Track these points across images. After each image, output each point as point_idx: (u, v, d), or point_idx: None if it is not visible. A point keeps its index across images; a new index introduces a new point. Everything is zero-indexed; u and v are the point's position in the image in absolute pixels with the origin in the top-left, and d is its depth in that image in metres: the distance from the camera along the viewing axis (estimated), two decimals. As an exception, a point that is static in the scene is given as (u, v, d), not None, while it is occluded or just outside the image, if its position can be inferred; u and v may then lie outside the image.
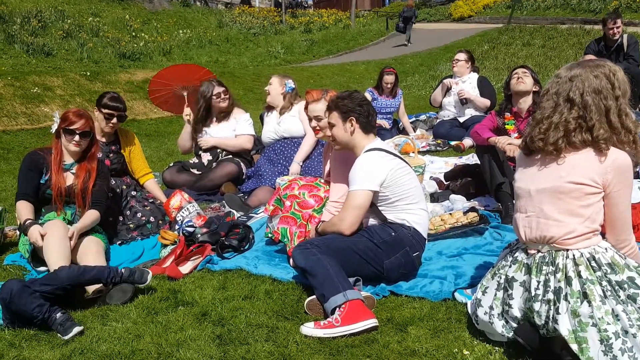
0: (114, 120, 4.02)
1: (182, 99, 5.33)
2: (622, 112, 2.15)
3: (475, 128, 4.20)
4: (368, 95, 7.00)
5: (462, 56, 6.81)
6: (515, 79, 4.10)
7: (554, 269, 2.16)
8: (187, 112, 5.09)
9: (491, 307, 2.33)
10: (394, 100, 7.10)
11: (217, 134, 5.11)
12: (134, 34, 20.63)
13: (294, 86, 4.97)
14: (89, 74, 10.66)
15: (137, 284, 2.91)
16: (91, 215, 3.46)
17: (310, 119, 3.60)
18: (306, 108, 3.61)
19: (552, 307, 2.12)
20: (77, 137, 3.39)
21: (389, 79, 7.03)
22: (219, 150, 5.11)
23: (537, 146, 2.23)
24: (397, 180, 2.91)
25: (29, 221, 3.25)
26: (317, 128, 3.52)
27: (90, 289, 2.94)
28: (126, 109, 4.13)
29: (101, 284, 2.90)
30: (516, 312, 2.25)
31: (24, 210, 3.36)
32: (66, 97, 9.41)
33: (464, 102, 6.66)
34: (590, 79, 2.16)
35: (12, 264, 3.55)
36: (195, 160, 5.20)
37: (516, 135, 4.08)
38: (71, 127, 3.39)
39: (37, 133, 7.95)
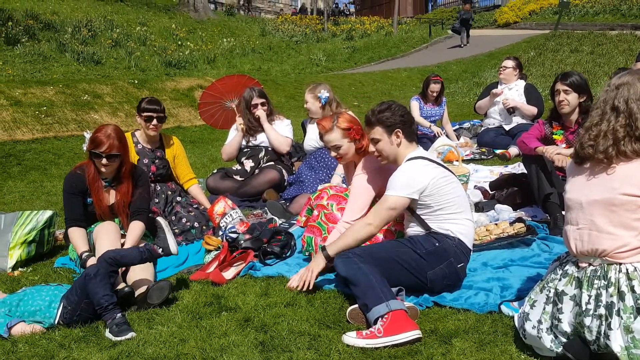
0: (154, 122, 4.08)
1: (229, 113, 5.41)
2: None
3: (522, 137, 4.11)
4: (415, 103, 6.97)
5: (509, 63, 6.66)
6: (557, 101, 4.02)
7: (605, 283, 2.10)
8: (241, 122, 5.15)
9: (540, 321, 2.28)
10: (438, 108, 7.05)
11: (259, 141, 5.18)
12: (179, 42, 21.13)
13: (328, 95, 4.91)
14: (136, 82, 10.97)
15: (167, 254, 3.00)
16: (136, 229, 3.41)
17: (328, 150, 3.53)
18: (322, 139, 3.54)
19: (603, 323, 2.06)
20: (104, 160, 3.29)
21: (435, 87, 6.97)
22: (261, 157, 5.16)
23: (588, 153, 2.18)
24: (439, 189, 2.87)
25: (85, 255, 3.25)
26: (338, 156, 3.44)
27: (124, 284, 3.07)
28: (164, 111, 4.18)
29: (144, 289, 2.95)
30: (566, 326, 2.19)
31: (78, 240, 3.31)
32: (115, 105, 9.70)
33: (511, 111, 6.53)
34: (636, 87, 2.12)
35: (62, 266, 3.66)
36: (238, 167, 5.27)
37: (564, 145, 3.97)
38: (97, 150, 3.29)
39: (83, 144, 8.24)
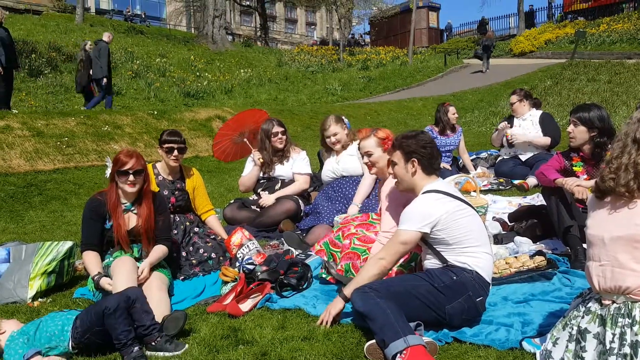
0: (175, 152, 4.15)
1: (240, 146, 5.45)
2: None
3: (541, 169, 4.08)
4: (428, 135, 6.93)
5: (514, 98, 6.70)
6: (567, 133, 4.02)
7: (630, 321, 2.05)
8: (258, 156, 5.19)
9: (562, 359, 2.22)
10: (454, 137, 6.99)
11: (276, 173, 5.22)
12: (198, 73, 21.54)
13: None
14: (155, 112, 11.15)
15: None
16: (160, 250, 3.55)
17: (362, 155, 3.63)
18: (359, 146, 3.65)
19: (628, 361, 1.99)
20: (131, 177, 3.40)
21: (453, 109, 6.96)
22: (277, 188, 5.19)
23: (609, 186, 2.15)
24: (452, 224, 2.84)
25: (97, 276, 3.32)
26: (369, 164, 3.54)
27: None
28: (185, 142, 4.26)
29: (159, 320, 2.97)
30: (590, 365, 2.13)
31: (92, 263, 3.40)
32: (134, 135, 9.85)
33: (511, 145, 6.55)
34: None
35: (81, 297, 3.68)
36: (255, 197, 5.30)
37: (585, 177, 3.92)
38: (124, 168, 3.41)
39: (105, 170, 8.36)
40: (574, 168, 4.02)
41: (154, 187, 4.05)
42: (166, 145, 4.14)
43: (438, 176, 3.08)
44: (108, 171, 3.58)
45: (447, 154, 6.96)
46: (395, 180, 3.12)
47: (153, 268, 3.50)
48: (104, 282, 3.28)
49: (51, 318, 2.93)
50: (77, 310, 3.03)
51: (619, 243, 2.11)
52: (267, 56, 28.09)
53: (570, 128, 3.97)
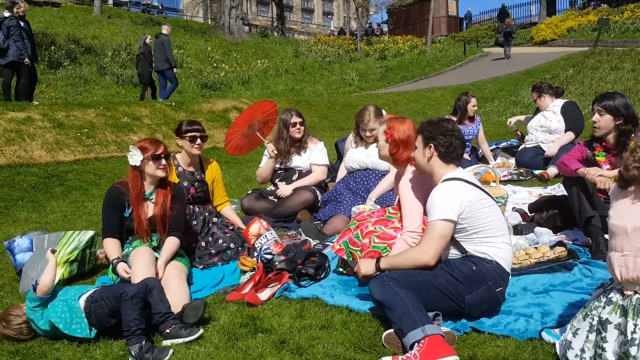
0: (198, 141, 4.16)
1: (251, 138, 5.40)
2: None
3: (562, 159, 4.02)
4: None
5: (533, 95, 6.75)
6: (591, 122, 3.95)
7: (652, 311, 2.02)
8: (272, 148, 5.19)
9: (582, 350, 2.22)
10: (472, 127, 6.92)
11: (294, 164, 5.22)
12: (215, 64, 21.60)
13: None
14: (173, 104, 11.22)
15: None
16: (172, 244, 3.55)
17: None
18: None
19: (650, 353, 1.98)
20: (163, 161, 3.51)
21: (474, 101, 6.93)
22: (294, 179, 5.19)
23: (633, 175, 2.13)
24: (475, 213, 2.83)
25: (116, 260, 3.41)
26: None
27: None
28: (205, 130, 4.28)
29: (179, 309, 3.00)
30: (610, 356, 2.13)
31: (111, 248, 3.49)
32: (153, 126, 9.93)
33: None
34: None
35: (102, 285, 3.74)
36: (272, 188, 5.32)
37: (608, 167, 3.86)
38: (158, 152, 3.51)
39: (126, 160, 8.45)
40: (596, 158, 3.95)
41: (174, 179, 4.08)
42: (189, 134, 4.15)
43: (458, 166, 3.06)
44: (134, 159, 3.52)
45: (466, 143, 6.90)
46: (414, 162, 3.15)
47: (172, 257, 3.54)
48: (121, 267, 3.33)
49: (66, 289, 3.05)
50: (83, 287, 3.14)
51: (642, 233, 2.09)
52: (283, 47, 28.04)
53: (596, 117, 3.90)
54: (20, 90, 9.81)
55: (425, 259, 2.86)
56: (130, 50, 20.22)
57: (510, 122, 7.30)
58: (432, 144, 2.99)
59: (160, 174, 3.53)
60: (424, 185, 3.20)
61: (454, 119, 6.86)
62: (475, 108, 6.97)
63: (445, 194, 2.87)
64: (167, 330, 2.82)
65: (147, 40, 13.32)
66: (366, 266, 3.06)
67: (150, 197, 3.58)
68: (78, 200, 6.62)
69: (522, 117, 7.39)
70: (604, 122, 3.88)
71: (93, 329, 2.87)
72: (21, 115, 8.66)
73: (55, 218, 5.73)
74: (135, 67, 14.14)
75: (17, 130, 8.21)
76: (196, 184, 4.25)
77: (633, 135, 3.75)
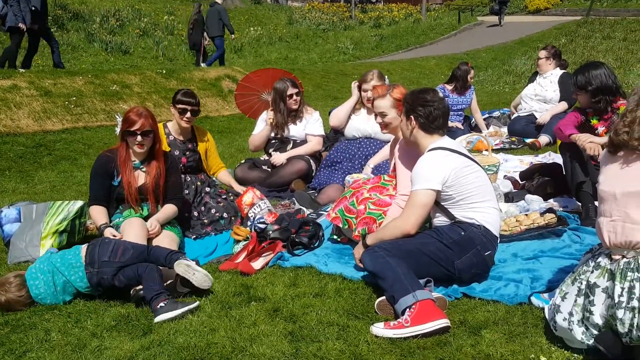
0: (188, 114, 4.11)
1: (264, 104, 5.41)
2: None
3: (559, 124, 4.03)
4: (439, 93, 6.81)
5: (542, 54, 6.65)
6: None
7: (639, 275, 2.06)
8: (271, 116, 5.14)
9: (571, 314, 2.25)
10: (466, 96, 6.89)
11: (289, 133, 5.18)
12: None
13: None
14: (164, 71, 11.06)
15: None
16: (170, 209, 3.59)
17: (375, 115, 3.59)
18: (372, 104, 3.60)
19: (636, 315, 2.04)
20: (139, 138, 3.41)
21: (473, 73, 6.90)
22: (288, 149, 5.17)
23: (622, 139, 2.14)
24: (460, 180, 2.85)
25: (104, 225, 3.41)
26: (383, 124, 3.53)
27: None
28: (199, 104, 4.21)
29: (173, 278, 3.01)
30: (598, 319, 2.17)
31: (98, 215, 3.49)
32: (143, 95, 9.80)
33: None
34: None
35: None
36: (265, 157, 5.30)
37: (602, 129, 3.87)
38: (132, 129, 3.41)
39: (115, 129, 8.37)
40: (591, 122, 3.96)
41: (165, 147, 4.06)
42: (180, 105, 4.10)
43: (443, 134, 3.06)
44: (118, 129, 3.54)
45: (459, 112, 6.90)
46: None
47: (163, 226, 3.54)
48: (108, 232, 3.32)
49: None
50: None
51: (631, 198, 2.11)
52: (277, 14, 27.58)
53: (575, 95, 3.99)
54: (6, 55, 9.81)
55: (407, 228, 2.88)
56: (119, 17, 19.83)
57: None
58: (412, 116, 3.00)
59: (136, 149, 3.47)
60: (416, 152, 3.21)
61: (449, 87, 6.83)
62: (472, 80, 6.95)
63: (428, 163, 2.89)
64: (161, 304, 2.74)
65: (201, 9, 14.00)
66: (357, 251, 3.08)
67: (141, 167, 3.55)
68: (67, 170, 6.57)
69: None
70: (581, 99, 3.94)
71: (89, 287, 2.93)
72: (7, 83, 8.49)
73: (43, 188, 5.69)
74: (189, 35, 14.62)
75: (2, 99, 8.05)
76: (188, 153, 4.23)
77: (620, 101, 3.79)
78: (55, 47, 10.71)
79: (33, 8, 9.45)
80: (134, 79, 10.25)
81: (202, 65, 13.80)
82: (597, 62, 4.03)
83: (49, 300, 2.94)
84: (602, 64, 3.92)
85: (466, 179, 2.87)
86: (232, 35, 14.13)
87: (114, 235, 3.27)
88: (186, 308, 2.73)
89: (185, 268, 2.90)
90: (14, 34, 9.57)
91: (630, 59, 13.20)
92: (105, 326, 2.70)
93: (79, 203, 3.92)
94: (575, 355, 2.25)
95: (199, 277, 2.89)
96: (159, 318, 2.69)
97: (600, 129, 3.89)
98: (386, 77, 4.93)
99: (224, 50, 14.22)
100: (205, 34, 13.94)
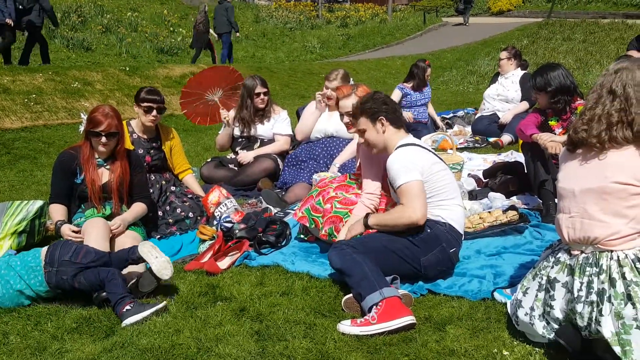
0: (154, 112, 4.04)
1: (213, 107, 5.26)
2: None
3: (520, 125, 4.13)
4: (398, 92, 6.93)
5: (503, 54, 6.80)
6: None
7: (597, 270, 2.12)
8: (225, 115, 5.08)
9: (532, 308, 2.30)
10: (426, 90, 7.04)
11: (256, 132, 5.14)
12: (171, 29, 20.94)
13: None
14: (127, 69, 10.86)
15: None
16: (139, 208, 3.54)
17: (341, 115, 3.60)
18: (337, 104, 3.61)
19: (595, 309, 2.08)
20: (103, 139, 3.34)
21: (430, 71, 7.00)
22: (255, 147, 5.14)
23: (581, 137, 2.19)
24: (431, 176, 2.89)
25: (59, 222, 3.33)
26: (350, 123, 3.52)
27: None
28: (164, 102, 4.14)
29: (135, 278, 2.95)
30: (558, 313, 2.21)
31: (56, 213, 3.42)
32: (105, 92, 9.61)
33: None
34: (635, 72, 2.12)
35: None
36: (232, 156, 5.26)
37: (560, 130, 3.99)
38: (97, 129, 3.33)
39: (77, 127, 8.15)
40: (549, 122, 4.08)
41: (129, 145, 3.98)
42: (145, 104, 4.02)
43: (406, 131, 3.11)
44: (82, 127, 3.47)
45: (423, 107, 6.99)
46: (368, 145, 3.10)
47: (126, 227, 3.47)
48: (66, 227, 3.24)
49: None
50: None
51: (589, 195, 2.16)
52: (243, 12, 27.37)
53: (534, 96, 4.09)
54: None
55: (418, 217, 2.79)
56: (81, 13, 19.36)
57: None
58: (381, 117, 3.01)
59: (100, 149, 3.40)
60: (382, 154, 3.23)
61: (408, 85, 6.92)
62: (429, 77, 7.08)
63: (407, 158, 2.89)
64: (127, 308, 2.68)
65: (206, 9, 14.35)
66: (356, 226, 3.01)
67: (105, 164, 3.48)
68: (26, 170, 6.37)
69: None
70: (541, 100, 4.05)
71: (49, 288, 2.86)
72: (-37, 80, 8.23)
73: (2, 188, 5.51)
74: (193, 34, 14.78)
75: (-42, 96, 7.80)
76: (152, 151, 4.15)
77: (578, 101, 3.95)
78: (45, 46, 10.95)
79: (20, 7, 9.69)
80: (96, 76, 10.03)
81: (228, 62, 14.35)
82: (554, 63, 4.15)
83: (7, 303, 2.85)
84: (559, 66, 4.06)
85: (436, 176, 2.90)
86: (237, 33, 14.36)
87: (73, 231, 3.20)
88: (153, 309, 2.68)
89: (149, 249, 2.87)
90: (2, 30, 9.69)
91: (589, 60, 13.60)
92: (66, 328, 2.64)
93: (39, 203, 3.81)
94: (537, 349, 2.30)
95: (160, 262, 2.83)
96: (126, 322, 2.63)
97: (558, 130, 4.00)
98: (351, 78, 4.95)
99: (231, 44, 14.68)
100: (211, 31, 14.28)
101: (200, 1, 26.92)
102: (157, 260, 2.84)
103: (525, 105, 6.47)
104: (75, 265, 2.84)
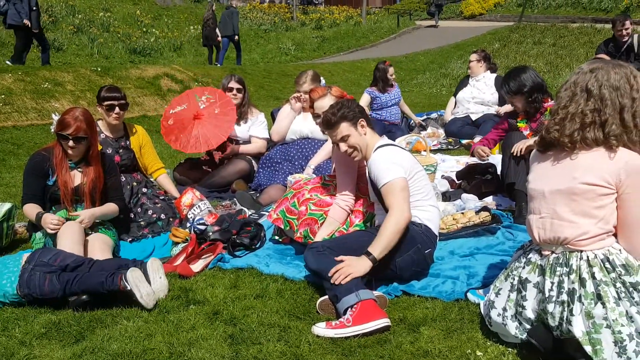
0: (117, 109, 3.98)
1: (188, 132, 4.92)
2: (637, 114, 2.12)
3: (480, 142, 4.37)
4: (367, 96, 6.97)
5: (473, 57, 6.88)
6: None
7: (567, 270, 2.14)
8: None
9: (504, 309, 2.32)
10: (394, 91, 7.08)
11: (233, 133, 5.08)
12: (144, 29, 20.72)
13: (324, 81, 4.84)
14: (99, 69, 10.68)
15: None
16: (111, 207, 3.51)
17: (316, 116, 3.59)
18: (312, 106, 3.60)
19: (566, 309, 2.11)
20: (71, 142, 3.29)
21: (392, 70, 7.01)
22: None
23: (553, 137, 2.19)
24: (413, 176, 2.91)
25: (41, 213, 3.27)
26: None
27: None
28: (126, 97, 4.07)
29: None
30: (530, 313, 2.23)
31: (33, 208, 3.34)
32: (77, 93, 9.43)
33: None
34: (610, 74, 2.13)
35: (24, 260, 3.55)
36: (204, 157, 5.20)
37: (528, 132, 4.07)
38: (65, 132, 3.28)
39: (47, 129, 7.96)
40: (518, 124, 4.17)
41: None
42: (106, 102, 3.96)
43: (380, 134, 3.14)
44: (52, 128, 3.42)
45: (394, 107, 7.04)
46: (352, 154, 3.05)
47: (95, 229, 3.41)
48: (48, 217, 3.19)
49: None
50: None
51: (558, 196, 2.19)
52: (217, 13, 27.21)
53: (509, 101, 4.17)
54: (19, 53, 10.49)
55: (407, 215, 2.77)
56: (52, 12, 18.99)
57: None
58: (360, 119, 3.01)
59: (69, 152, 3.35)
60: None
61: (375, 89, 6.97)
62: (394, 77, 7.09)
63: (390, 157, 2.90)
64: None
65: (214, 8, 15.46)
66: (361, 265, 2.68)
67: (78, 167, 3.43)
68: (-5, 172, 6.22)
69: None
70: (517, 103, 4.10)
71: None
72: None
73: (-30, 190, 5.37)
74: (202, 32, 15.72)
75: None
76: (121, 150, 4.08)
77: (551, 99, 4.05)
78: (47, 47, 11.38)
79: (34, 8, 10.08)
80: (67, 77, 9.83)
81: (217, 64, 15.14)
82: (523, 66, 4.26)
83: None
84: (528, 67, 4.17)
85: (415, 177, 2.92)
86: (235, 37, 15.04)
87: (56, 222, 3.15)
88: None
89: (138, 277, 2.76)
90: (19, 31, 10.16)
91: (559, 64, 13.88)
92: (34, 334, 2.57)
93: (7, 205, 3.72)
94: (510, 349, 2.31)
95: (146, 293, 2.74)
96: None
97: (526, 132, 4.08)
98: (322, 78, 4.95)
99: (238, 47, 15.70)
100: (217, 30, 15.09)
101: (173, 2, 26.73)
102: (144, 290, 2.75)
103: (509, 106, 6.54)
104: (52, 267, 2.80)
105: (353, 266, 2.67)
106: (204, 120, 4.89)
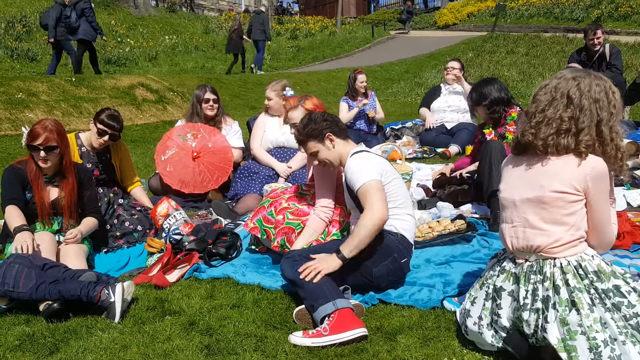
0: (106, 137, 3.94)
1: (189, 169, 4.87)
2: (613, 129, 2.15)
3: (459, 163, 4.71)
4: (344, 104, 6.99)
5: (456, 64, 6.91)
6: None
7: (541, 277, 2.17)
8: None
9: (480, 317, 2.33)
10: (369, 102, 7.09)
11: None
12: (119, 39, 20.54)
13: (292, 92, 4.86)
14: (74, 79, 10.54)
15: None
16: (91, 222, 3.48)
17: (290, 126, 3.60)
18: (286, 117, 3.61)
19: (540, 316, 2.13)
20: (42, 153, 3.23)
21: (362, 77, 7.02)
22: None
23: (527, 140, 2.20)
24: (389, 182, 2.92)
25: (17, 227, 3.12)
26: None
27: None
28: (122, 129, 4.03)
29: None
30: (505, 321, 2.25)
31: (15, 216, 3.20)
32: (51, 103, 9.28)
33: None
34: (592, 86, 2.15)
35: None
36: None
37: (493, 136, 4.29)
38: (35, 143, 3.22)
39: (20, 139, 7.85)
40: (484, 130, 4.43)
41: (77, 159, 3.86)
42: (100, 126, 3.91)
43: (354, 142, 3.15)
44: (23, 141, 3.35)
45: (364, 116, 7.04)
46: (325, 166, 3.11)
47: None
48: (24, 235, 3.05)
49: None
50: None
51: (528, 205, 2.22)
52: (193, 22, 27.12)
53: (473, 109, 4.38)
54: (92, 64, 12.50)
55: (380, 215, 2.75)
56: (26, 22, 18.68)
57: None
58: (327, 133, 3.03)
59: (41, 165, 3.28)
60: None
61: (349, 97, 7.00)
62: (364, 84, 7.04)
63: (363, 162, 2.91)
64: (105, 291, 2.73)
65: (240, 20, 16.80)
66: (330, 263, 2.72)
67: (53, 181, 3.38)
68: (-35, 183, 6.07)
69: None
70: (480, 112, 4.45)
71: None
72: None
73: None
74: (228, 41, 16.91)
75: None
76: (101, 165, 4.04)
77: (512, 109, 4.33)
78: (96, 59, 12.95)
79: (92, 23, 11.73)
80: (41, 87, 9.67)
81: (258, 71, 16.61)
82: (490, 78, 4.49)
83: None
84: (495, 80, 4.43)
85: (391, 184, 2.93)
86: (268, 41, 16.30)
87: (27, 245, 3.00)
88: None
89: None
90: (85, 44, 11.99)
91: (532, 73, 14.11)
92: (8, 346, 2.52)
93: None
94: (486, 357, 2.32)
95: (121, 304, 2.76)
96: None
97: (490, 137, 4.30)
98: (289, 87, 4.94)
99: (263, 51, 17.05)
100: (245, 37, 16.51)
101: (148, 12, 26.58)
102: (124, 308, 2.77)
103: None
104: (31, 262, 2.78)
105: (322, 263, 2.70)
106: (203, 159, 4.84)
